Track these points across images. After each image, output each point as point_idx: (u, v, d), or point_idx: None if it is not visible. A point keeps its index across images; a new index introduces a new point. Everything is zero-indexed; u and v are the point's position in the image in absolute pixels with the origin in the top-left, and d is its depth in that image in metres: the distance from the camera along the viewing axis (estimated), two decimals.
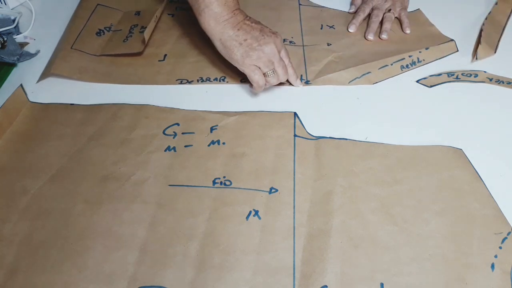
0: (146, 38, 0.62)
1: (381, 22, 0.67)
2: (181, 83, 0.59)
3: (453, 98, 0.56)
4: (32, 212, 0.45)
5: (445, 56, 0.63)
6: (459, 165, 0.48)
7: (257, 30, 0.54)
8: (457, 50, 0.63)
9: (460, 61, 0.62)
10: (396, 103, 0.56)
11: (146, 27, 0.63)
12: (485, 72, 0.58)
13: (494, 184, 0.46)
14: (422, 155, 0.49)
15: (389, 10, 0.67)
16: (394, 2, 0.68)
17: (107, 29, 0.67)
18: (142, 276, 0.40)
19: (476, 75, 0.57)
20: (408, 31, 0.66)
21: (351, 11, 0.71)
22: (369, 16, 0.68)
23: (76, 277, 0.40)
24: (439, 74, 0.57)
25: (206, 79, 0.59)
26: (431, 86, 0.56)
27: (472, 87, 0.57)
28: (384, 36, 0.65)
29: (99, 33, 0.66)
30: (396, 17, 0.68)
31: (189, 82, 0.59)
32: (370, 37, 0.65)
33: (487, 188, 0.45)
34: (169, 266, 0.40)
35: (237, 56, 0.53)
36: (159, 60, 0.62)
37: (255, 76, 0.54)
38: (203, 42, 0.64)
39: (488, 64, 0.60)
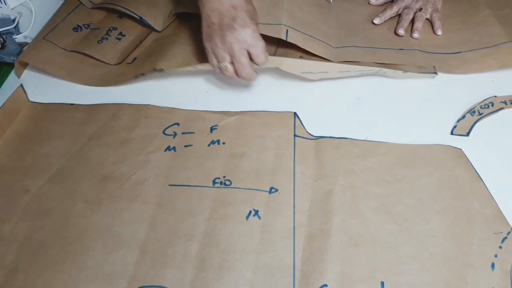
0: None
1: (412, 21, 0.64)
2: (136, 77, 0.57)
3: (453, 98, 0.56)
4: (32, 212, 0.45)
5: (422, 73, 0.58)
6: (459, 165, 0.48)
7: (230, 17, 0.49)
8: (435, 72, 0.58)
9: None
10: (396, 102, 0.56)
11: (124, 35, 0.63)
12: (495, 96, 0.54)
13: (494, 184, 0.46)
14: (422, 155, 0.49)
15: (420, 9, 0.64)
16: (425, 2, 0.65)
17: (86, 26, 0.66)
18: (142, 276, 0.40)
19: (492, 104, 0.54)
20: (439, 33, 0.63)
21: (373, 2, 0.69)
22: (398, 15, 0.66)
23: (76, 277, 0.40)
24: (463, 117, 0.52)
25: (159, 70, 0.56)
26: (468, 134, 0.51)
27: (472, 87, 0.57)
28: (415, 35, 0.62)
29: (76, 28, 0.65)
30: (427, 19, 0.65)
31: (143, 75, 0.57)
32: (401, 31, 0.63)
33: (487, 188, 0.45)
34: (169, 266, 0.40)
35: (202, 36, 0.52)
36: (127, 63, 0.61)
37: (212, 62, 0.52)
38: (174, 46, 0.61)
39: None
